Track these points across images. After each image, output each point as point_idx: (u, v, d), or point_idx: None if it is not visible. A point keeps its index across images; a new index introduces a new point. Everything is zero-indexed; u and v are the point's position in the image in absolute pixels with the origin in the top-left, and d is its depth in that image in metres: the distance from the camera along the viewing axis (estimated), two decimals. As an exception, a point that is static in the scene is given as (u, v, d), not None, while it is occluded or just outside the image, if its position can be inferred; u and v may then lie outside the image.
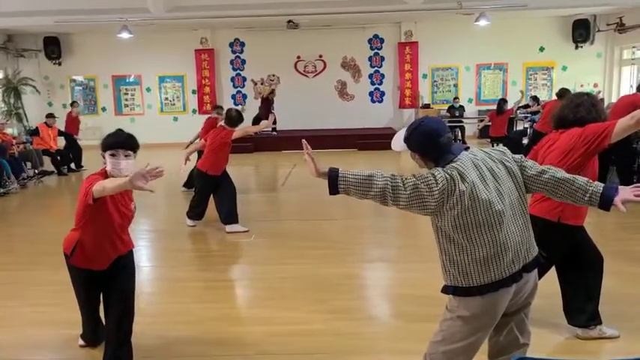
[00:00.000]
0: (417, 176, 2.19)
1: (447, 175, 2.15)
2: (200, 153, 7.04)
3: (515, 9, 10.99)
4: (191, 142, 8.41)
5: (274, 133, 14.51)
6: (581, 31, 14.38)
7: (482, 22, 12.25)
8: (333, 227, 6.59)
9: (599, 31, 14.36)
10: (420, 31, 15.12)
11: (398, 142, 2.41)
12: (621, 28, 13.69)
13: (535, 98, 12.75)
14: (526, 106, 12.50)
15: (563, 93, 9.43)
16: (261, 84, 15.67)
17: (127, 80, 16.01)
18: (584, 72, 14.87)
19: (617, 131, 3.03)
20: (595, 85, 15.01)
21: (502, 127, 10.74)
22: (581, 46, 14.65)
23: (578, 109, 3.26)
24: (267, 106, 13.79)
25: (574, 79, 14.42)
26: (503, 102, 10.88)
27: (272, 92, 14.48)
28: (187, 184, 8.47)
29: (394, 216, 6.79)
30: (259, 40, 15.26)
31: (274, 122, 9.07)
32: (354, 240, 6.00)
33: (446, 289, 2.36)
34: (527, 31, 14.80)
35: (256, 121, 12.44)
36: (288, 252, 5.56)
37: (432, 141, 2.27)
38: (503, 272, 2.24)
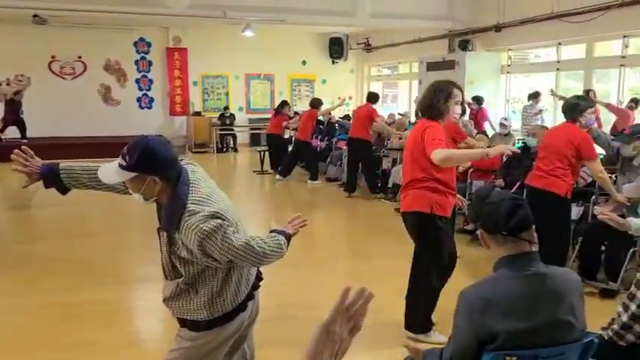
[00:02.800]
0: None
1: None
2: None
3: (276, 23, 11.56)
4: None
5: (24, 140, 12.84)
6: (337, 47, 15.82)
7: (248, 33, 12.60)
8: (89, 246, 6.05)
9: (351, 49, 15.97)
10: (189, 37, 14.94)
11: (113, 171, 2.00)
12: (368, 47, 15.43)
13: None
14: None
15: (314, 103, 10.24)
16: (7, 84, 13.75)
17: None
18: (340, 85, 16.38)
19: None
20: (350, 98, 16.65)
21: (277, 127, 11.06)
22: (337, 62, 16.12)
23: None
24: (12, 109, 12.15)
25: (333, 92, 15.79)
26: (284, 103, 11.29)
27: (17, 93, 12.81)
28: None
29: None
30: (3, 36, 13.37)
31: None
32: (112, 260, 5.59)
33: (198, 325, 2.12)
34: (292, 45, 15.73)
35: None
36: (26, 282, 4.89)
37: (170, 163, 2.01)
38: (246, 290, 2.20)
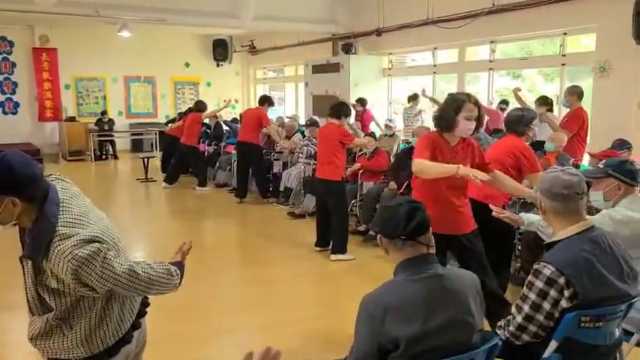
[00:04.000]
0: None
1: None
2: None
3: (155, 23, 11.04)
4: None
5: None
6: (221, 50, 15.48)
7: (125, 33, 11.90)
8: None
9: (235, 51, 15.72)
10: (58, 36, 13.78)
11: None
12: (253, 50, 15.28)
13: None
14: None
15: (198, 106, 9.88)
16: None
17: None
18: (226, 88, 16.04)
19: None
20: (236, 101, 16.39)
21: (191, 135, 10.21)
22: (222, 64, 15.78)
23: None
24: None
25: (218, 94, 15.42)
26: (200, 102, 10.47)
27: None
28: None
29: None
30: None
31: None
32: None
33: None
34: (174, 47, 15.14)
35: None
36: None
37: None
38: (130, 319, 1.97)
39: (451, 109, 3.22)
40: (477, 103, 3.25)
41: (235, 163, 8.96)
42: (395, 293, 1.82)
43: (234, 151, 9.23)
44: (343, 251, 5.50)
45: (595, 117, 7.56)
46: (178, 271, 1.97)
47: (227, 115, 13.19)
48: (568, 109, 6.88)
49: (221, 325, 3.98)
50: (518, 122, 3.97)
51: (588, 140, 7.18)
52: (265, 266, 5.52)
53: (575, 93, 6.78)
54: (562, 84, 8.10)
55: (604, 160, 3.17)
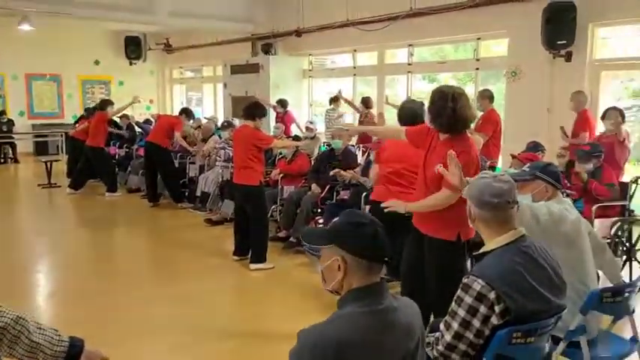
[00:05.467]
0: None
1: None
2: None
3: (60, 16, 10.24)
4: None
5: None
6: (133, 47, 14.68)
7: (26, 27, 10.98)
8: None
9: (150, 49, 14.99)
10: (-54, 29, 12.55)
11: None
12: (169, 48, 14.65)
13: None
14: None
15: (102, 105, 9.26)
16: None
17: None
18: (140, 88, 15.23)
19: None
20: (151, 102, 15.67)
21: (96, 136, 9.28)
22: (135, 63, 14.98)
23: None
24: None
25: (131, 94, 14.57)
26: (104, 101, 9.63)
27: None
28: None
29: None
30: None
31: None
32: None
33: None
34: (82, 43, 14.23)
35: None
36: None
37: None
38: None
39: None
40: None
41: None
42: (349, 327, 1.52)
43: (146, 154, 8.70)
44: (262, 260, 5.24)
45: (508, 120, 7.79)
46: (67, 346, 1.65)
47: (140, 116, 12.55)
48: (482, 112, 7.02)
49: (119, 354, 3.59)
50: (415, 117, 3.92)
51: (502, 142, 7.38)
52: (178, 280, 5.12)
53: (487, 96, 6.94)
54: (476, 88, 8.28)
55: (529, 163, 3.18)
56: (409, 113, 3.96)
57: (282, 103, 9.93)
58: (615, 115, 5.51)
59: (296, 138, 7.57)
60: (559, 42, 6.95)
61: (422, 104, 3.99)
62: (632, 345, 2.60)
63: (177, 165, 8.38)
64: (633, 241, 4.79)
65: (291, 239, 5.87)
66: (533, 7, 7.11)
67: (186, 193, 8.25)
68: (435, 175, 2.92)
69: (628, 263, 4.73)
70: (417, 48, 9.82)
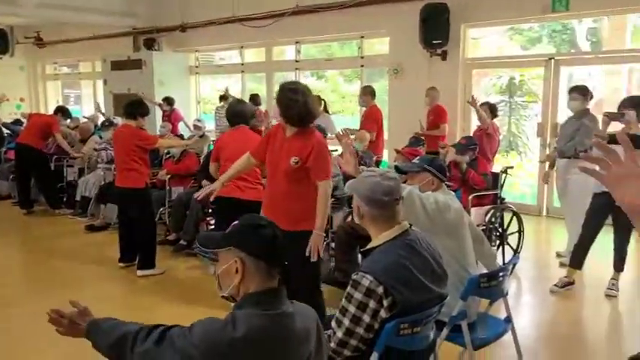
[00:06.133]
0: None
1: None
2: None
3: None
4: None
5: None
6: (-1, 41, 13.37)
7: None
8: None
9: (18, 43, 13.73)
10: None
11: None
12: (40, 42, 13.54)
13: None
14: None
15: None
16: None
17: None
18: (9, 85, 13.91)
19: None
20: (22, 100, 14.41)
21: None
22: (1, 57, 13.65)
23: None
24: None
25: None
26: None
27: None
28: None
29: None
30: None
31: None
32: None
33: None
34: None
35: None
36: None
37: None
38: None
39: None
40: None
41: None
42: (246, 331, 1.46)
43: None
44: (151, 265, 5.01)
45: (392, 115, 8.13)
46: None
47: (10, 116, 11.50)
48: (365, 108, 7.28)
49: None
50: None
51: (386, 137, 7.69)
52: (62, 292, 4.74)
53: (369, 93, 7.21)
54: (362, 84, 8.54)
55: (419, 157, 3.38)
56: (240, 114, 4.40)
57: (169, 100, 9.58)
58: (484, 109, 5.93)
59: (180, 137, 7.34)
60: (435, 41, 7.37)
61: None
62: (506, 324, 2.81)
63: (52, 168, 7.77)
64: (505, 227, 5.21)
65: (182, 242, 5.68)
66: (411, 8, 7.46)
67: (65, 199, 7.68)
68: (293, 167, 3.11)
69: (501, 247, 5.13)
70: (304, 45, 9.92)
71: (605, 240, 4.53)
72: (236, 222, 1.66)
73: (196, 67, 11.48)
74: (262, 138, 3.48)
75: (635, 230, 1.50)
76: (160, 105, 9.59)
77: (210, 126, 9.66)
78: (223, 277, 1.62)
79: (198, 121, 7.71)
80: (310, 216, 3.12)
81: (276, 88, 10.15)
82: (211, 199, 3.60)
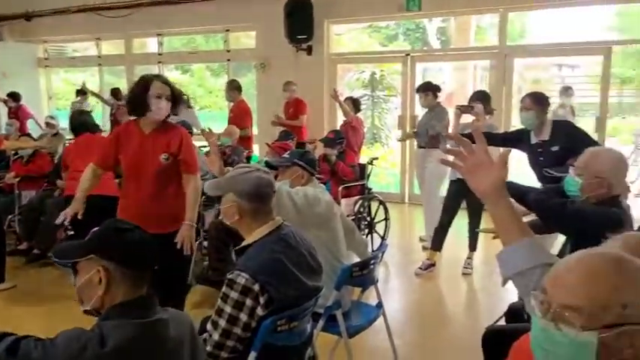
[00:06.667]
0: None
1: None
2: None
3: None
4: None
5: None
6: None
7: None
8: None
9: None
10: None
11: None
12: None
13: None
14: None
15: None
16: None
17: None
18: None
19: None
20: None
21: None
22: None
23: None
24: None
25: None
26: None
27: None
28: None
29: None
30: None
31: None
32: None
33: None
34: None
35: None
36: None
37: None
38: None
39: (140, 89, 2.92)
40: (167, 82, 2.99)
41: None
42: (117, 341, 1.36)
43: None
44: (0, 280, 4.51)
45: (260, 110, 8.12)
46: None
47: None
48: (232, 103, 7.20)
49: None
50: None
51: (256, 132, 7.67)
52: None
53: (235, 87, 7.14)
54: (229, 79, 8.42)
55: (290, 151, 3.41)
56: (84, 124, 4.68)
57: (15, 96, 8.68)
58: (348, 103, 6.14)
59: (29, 136, 6.70)
60: (299, 36, 7.48)
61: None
62: (377, 310, 2.94)
63: None
64: (373, 216, 5.46)
65: (35, 251, 5.18)
66: (276, 2, 7.48)
67: None
68: (164, 165, 2.94)
69: (370, 236, 5.37)
70: (168, 38, 9.53)
71: (460, 223, 4.93)
72: (96, 228, 1.54)
73: (46, 59, 10.52)
74: (105, 143, 3.20)
75: (487, 212, 1.66)
76: (4, 101, 8.67)
77: (64, 123, 8.94)
78: (85, 290, 1.49)
79: (51, 118, 7.09)
80: (182, 216, 2.96)
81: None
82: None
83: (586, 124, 7.29)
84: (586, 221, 2.27)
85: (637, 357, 1.01)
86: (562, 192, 2.49)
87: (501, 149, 4.38)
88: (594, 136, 4.87)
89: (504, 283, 1.44)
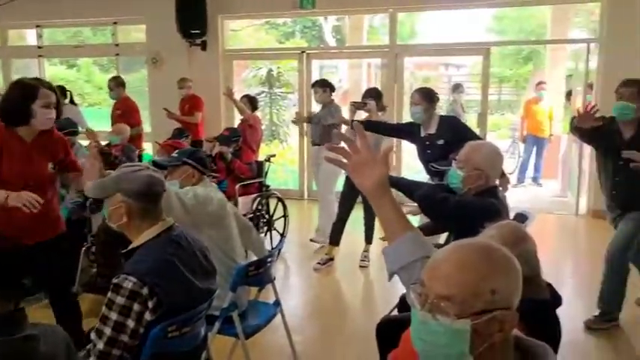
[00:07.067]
0: None
1: None
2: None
3: None
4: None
5: None
6: None
7: None
8: None
9: None
10: None
11: None
12: None
13: None
14: None
15: None
16: None
17: None
18: None
19: None
20: None
21: None
22: None
23: None
24: None
25: None
26: None
27: None
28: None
29: None
30: None
31: None
32: None
33: None
34: None
35: None
36: None
37: None
38: None
39: (22, 98, 2.64)
40: (51, 88, 2.74)
41: None
42: None
43: None
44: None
45: (153, 107, 7.81)
46: None
47: None
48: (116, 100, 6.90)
49: None
50: None
51: (148, 129, 7.38)
52: None
53: (119, 84, 6.87)
54: (118, 74, 8.01)
55: (178, 150, 3.29)
56: None
57: None
58: (244, 102, 6.07)
59: None
60: (193, 31, 7.27)
61: None
62: (275, 308, 2.93)
63: None
64: (271, 213, 5.44)
65: None
66: (167, -6, 7.21)
67: None
68: (50, 174, 2.80)
69: (269, 233, 5.35)
70: (48, 29, 8.88)
71: (356, 217, 5.06)
72: None
73: None
74: None
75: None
76: None
77: None
78: None
79: None
80: (59, 221, 2.93)
81: (15, 76, 9.00)
82: None
83: (470, 120, 7.79)
84: (466, 212, 2.41)
85: (507, 340, 1.08)
86: (449, 188, 2.62)
87: (386, 141, 4.58)
88: (477, 131, 5.19)
89: (390, 277, 1.48)
